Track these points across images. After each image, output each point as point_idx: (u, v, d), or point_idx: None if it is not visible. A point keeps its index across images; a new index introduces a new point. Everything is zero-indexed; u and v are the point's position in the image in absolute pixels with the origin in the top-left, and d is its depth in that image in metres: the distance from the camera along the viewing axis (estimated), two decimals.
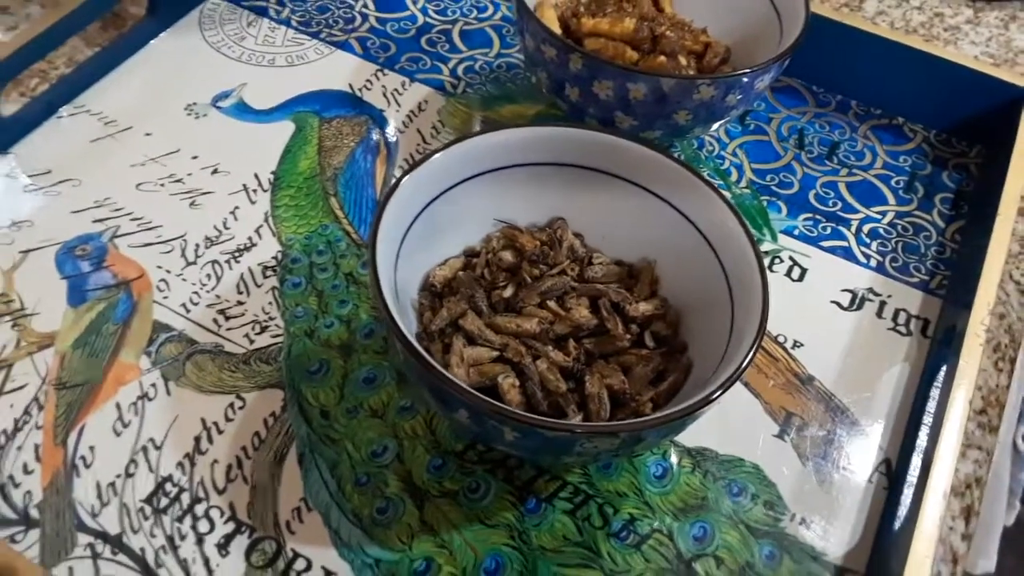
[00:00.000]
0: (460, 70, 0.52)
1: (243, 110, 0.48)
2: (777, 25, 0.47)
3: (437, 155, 0.35)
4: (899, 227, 0.47)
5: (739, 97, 0.43)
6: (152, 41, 0.51)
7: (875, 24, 0.59)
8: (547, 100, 0.50)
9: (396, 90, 0.51)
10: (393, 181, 0.46)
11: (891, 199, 0.48)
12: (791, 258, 0.45)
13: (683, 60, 0.46)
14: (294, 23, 0.54)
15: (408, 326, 0.32)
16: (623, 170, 0.38)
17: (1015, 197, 0.43)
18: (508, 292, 0.36)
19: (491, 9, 0.56)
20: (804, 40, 0.43)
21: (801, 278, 0.44)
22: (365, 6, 0.55)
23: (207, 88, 0.49)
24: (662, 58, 0.45)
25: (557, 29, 0.47)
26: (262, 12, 0.54)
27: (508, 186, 0.38)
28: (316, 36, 0.53)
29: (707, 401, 0.29)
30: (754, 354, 0.31)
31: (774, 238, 0.46)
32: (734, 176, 0.48)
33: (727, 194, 0.46)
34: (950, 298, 0.43)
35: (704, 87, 0.41)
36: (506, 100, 0.51)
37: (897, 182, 0.49)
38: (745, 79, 0.42)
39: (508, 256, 0.37)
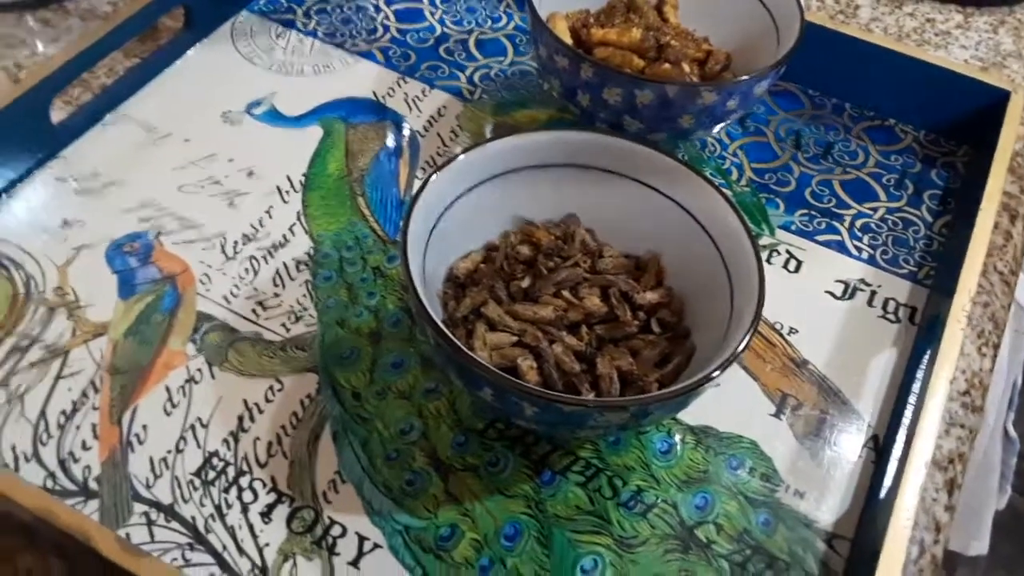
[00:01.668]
0: (476, 77, 0.56)
1: (275, 117, 0.52)
2: (775, 34, 0.50)
3: (460, 157, 0.38)
4: (889, 222, 0.50)
5: (738, 102, 0.46)
6: (188, 52, 0.55)
7: (868, 31, 0.62)
8: (558, 105, 0.54)
9: (417, 97, 0.54)
10: (418, 182, 0.49)
11: (882, 196, 0.51)
12: (788, 251, 0.48)
13: (686, 67, 0.49)
14: (320, 34, 0.57)
15: (435, 314, 0.35)
16: (631, 170, 0.41)
17: (997, 192, 0.46)
18: (526, 283, 0.39)
19: (505, 20, 0.59)
20: (799, 48, 0.46)
21: (797, 270, 0.47)
22: (387, 18, 0.59)
23: (240, 96, 0.53)
24: (667, 65, 0.48)
25: (568, 39, 0.50)
26: (290, 24, 0.58)
27: (525, 185, 0.41)
28: (341, 46, 0.57)
29: (707, 379, 0.33)
30: (751, 337, 0.34)
31: (772, 232, 0.49)
32: (735, 175, 0.51)
33: (728, 191, 0.49)
34: (936, 287, 0.46)
35: (706, 93, 0.44)
36: (520, 105, 0.54)
37: (888, 180, 0.52)
38: (744, 85, 0.45)
39: (525, 250, 0.40)
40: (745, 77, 0.44)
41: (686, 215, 0.40)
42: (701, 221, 0.40)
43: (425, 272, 0.37)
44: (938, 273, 0.47)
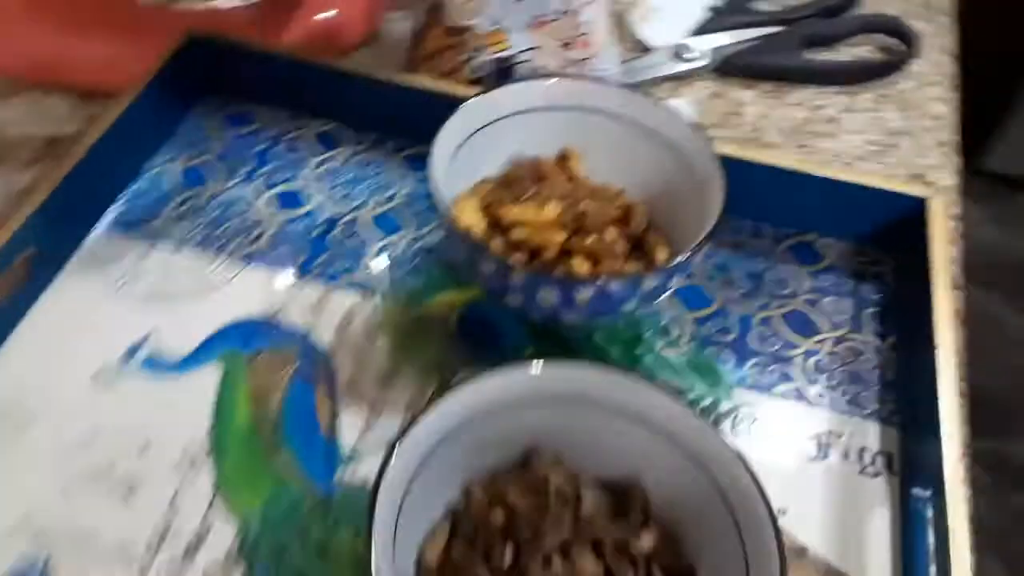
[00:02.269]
0: (378, 263, 0.50)
1: (158, 364, 0.44)
2: (688, 172, 0.47)
3: (398, 448, 0.33)
4: (839, 355, 0.48)
5: (678, 278, 0.43)
6: (40, 298, 0.46)
7: (757, 131, 0.61)
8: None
9: (317, 302, 0.48)
10: (343, 417, 0.42)
11: (823, 325, 0.49)
12: (751, 413, 0.45)
13: (611, 234, 0.45)
14: (193, 244, 0.50)
15: None
16: (590, 392, 0.37)
17: (947, 320, 0.45)
18: (508, 556, 0.35)
19: (398, 186, 0.54)
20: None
21: (764, 434, 0.44)
22: (264, 208, 0.52)
23: (113, 344, 0.45)
24: (592, 237, 0.45)
25: (482, 222, 0.45)
26: (155, 236, 0.50)
27: (481, 433, 0.37)
28: (219, 253, 0.50)
29: None
30: None
31: (728, 395, 0.46)
32: (676, 332, 0.48)
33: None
34: (907, 425, 0.45)
35: (648, 281, 0.41)
36: (435, 288, 0.49)
37: (824, 304, 0.50)
38: (684, 264, 0.42)
39: (499, 516, 0.36)
40: (686, 254, 0.41)
41: (658, 434, 0.37)
42: (676, 439, 0.37)
43: (395, 572, 0.32)
44: (902, 409, 0.46)
